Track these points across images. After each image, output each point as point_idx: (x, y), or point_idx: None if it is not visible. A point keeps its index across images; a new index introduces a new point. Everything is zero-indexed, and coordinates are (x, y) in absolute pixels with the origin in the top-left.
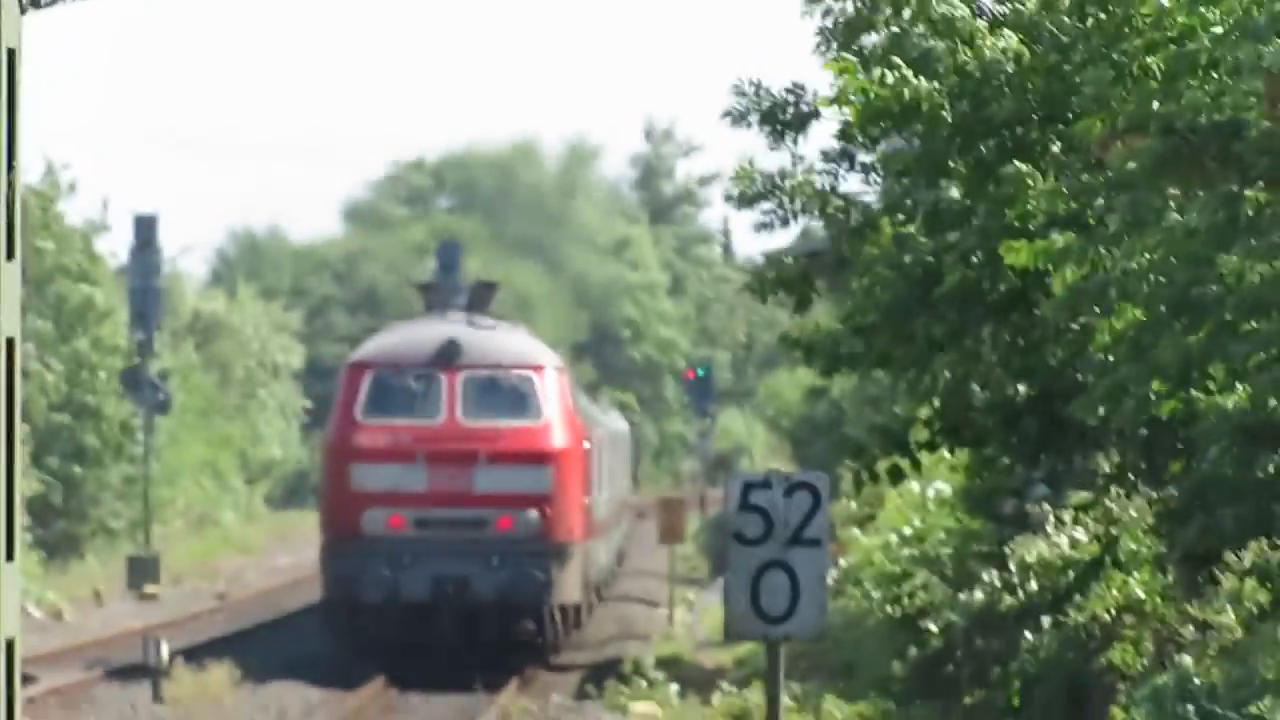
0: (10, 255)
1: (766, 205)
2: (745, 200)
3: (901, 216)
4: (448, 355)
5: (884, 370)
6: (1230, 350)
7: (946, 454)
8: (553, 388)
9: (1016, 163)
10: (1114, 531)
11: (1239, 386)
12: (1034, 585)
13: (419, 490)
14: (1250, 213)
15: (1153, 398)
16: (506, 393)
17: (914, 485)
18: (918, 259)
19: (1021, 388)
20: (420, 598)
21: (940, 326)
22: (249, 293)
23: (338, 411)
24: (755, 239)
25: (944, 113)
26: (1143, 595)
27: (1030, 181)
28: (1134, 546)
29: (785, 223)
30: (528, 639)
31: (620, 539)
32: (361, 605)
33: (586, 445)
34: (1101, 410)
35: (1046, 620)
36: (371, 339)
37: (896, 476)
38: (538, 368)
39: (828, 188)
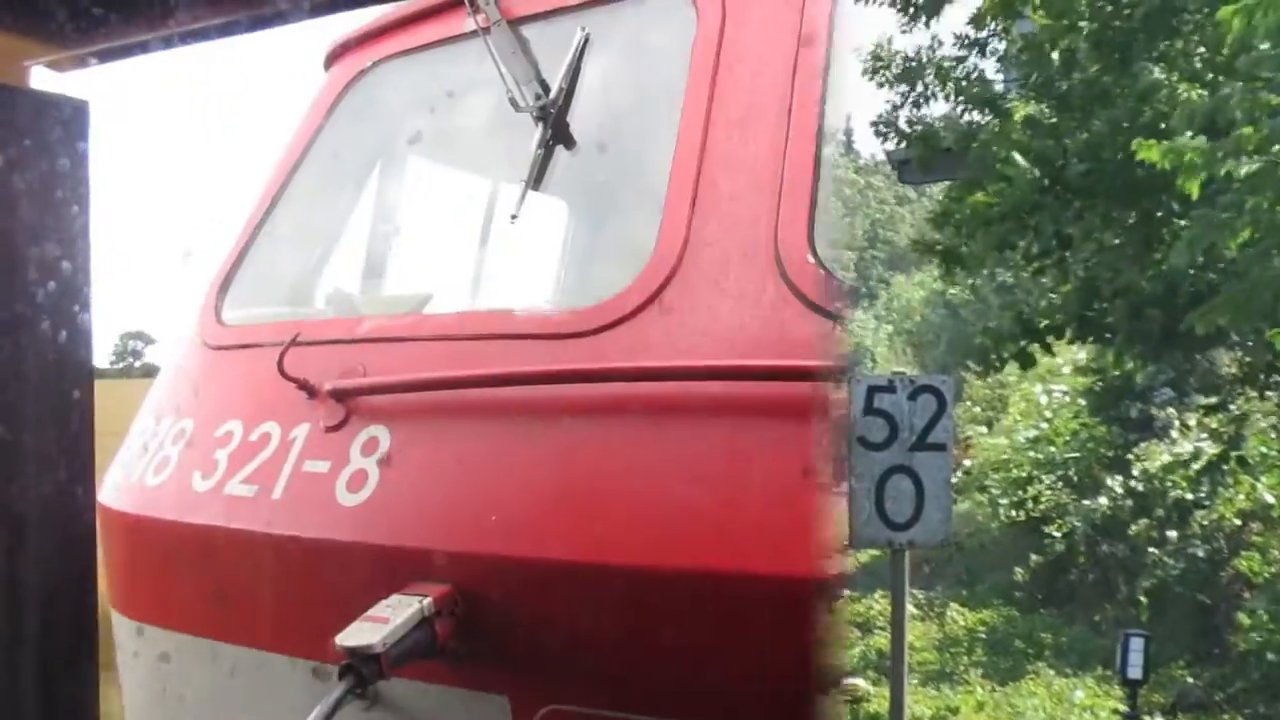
0: None
1: (902, 87)
2: (889, 80)
3: (1032, 95)
4: None
5: (1009, 252)
6: None
7: (1069, 352)
8: None
9: (1149, 65)
10: (1241, 432)
11: None
12: (1159, 510)
13: None
14: None
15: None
16: None
17: (1036, 388)
18: (1045, 145)
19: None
20: None
21: (1068, 212)
22: None
23: None
24: (874, 139)
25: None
26: (1271, 500)
27: (1166, 79)
28: (1263, 449)
29: (917, 106)
30: None
31: None
32: None
33: None
34: (1222, 322)
35: (1173, 534)
36: None
37: (1026, 362)
38: None
39: (961, 73)
